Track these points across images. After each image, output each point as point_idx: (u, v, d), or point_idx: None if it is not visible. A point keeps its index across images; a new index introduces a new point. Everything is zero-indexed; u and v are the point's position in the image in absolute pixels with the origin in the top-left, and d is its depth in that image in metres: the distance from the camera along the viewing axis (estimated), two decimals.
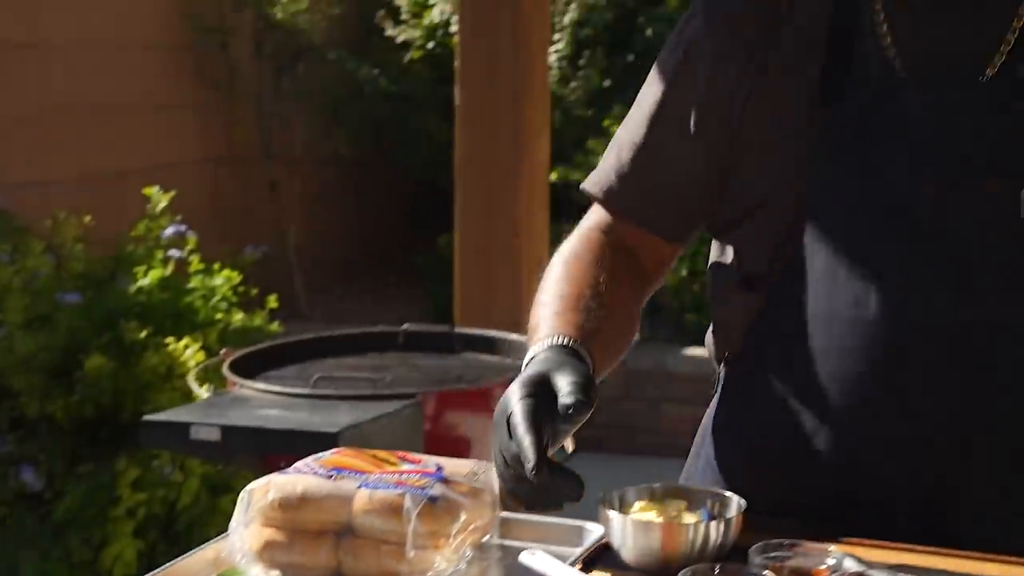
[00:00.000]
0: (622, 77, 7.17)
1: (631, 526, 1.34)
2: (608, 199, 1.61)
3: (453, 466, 1.50)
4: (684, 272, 6.27)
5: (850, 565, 1.27)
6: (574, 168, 6.57)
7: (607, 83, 7.03)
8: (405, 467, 1.50)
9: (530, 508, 1.36)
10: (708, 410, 1.65)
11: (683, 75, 1.54)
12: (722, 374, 1.62)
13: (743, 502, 1.35)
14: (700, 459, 1.62)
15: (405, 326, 3.25)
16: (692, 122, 1.53)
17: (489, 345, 3.21)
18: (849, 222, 1.44)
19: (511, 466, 1.31)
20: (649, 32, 7.19)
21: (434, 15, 7.04)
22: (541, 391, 1.31)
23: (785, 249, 1.47)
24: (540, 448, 1.27)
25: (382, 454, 1.55)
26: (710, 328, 1.65)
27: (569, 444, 1.41)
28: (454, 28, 6.79)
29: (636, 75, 7.24)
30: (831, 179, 1.45)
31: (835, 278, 1.44)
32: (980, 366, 1.40)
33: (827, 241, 1.45)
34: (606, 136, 6.67)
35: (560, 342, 1.40)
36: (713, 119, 1.51)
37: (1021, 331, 1.39)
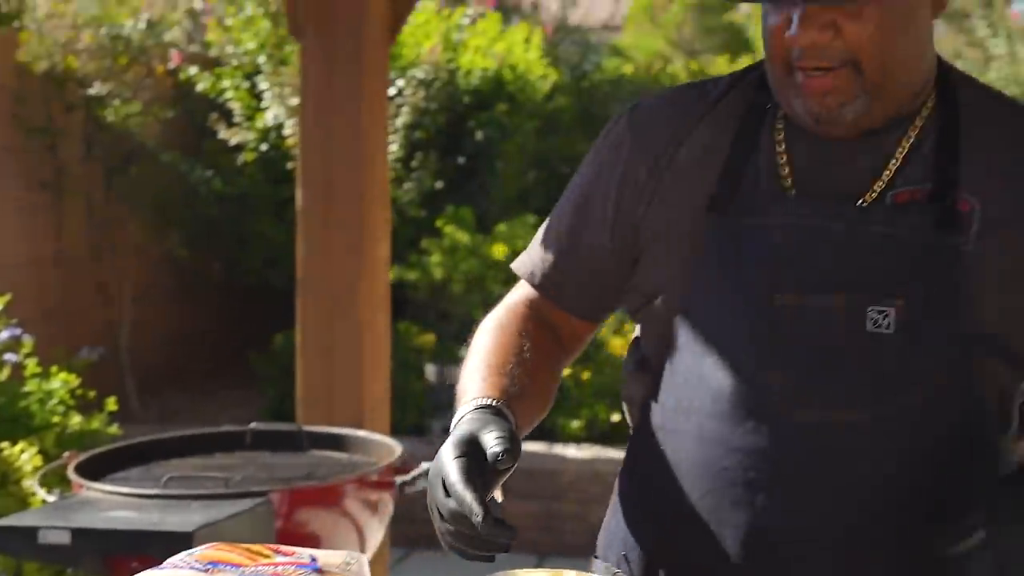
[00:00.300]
0: (454, 179, 7.34)
1: None
2: (532, 280, 1.76)
3: (325, 557, 1.56)
4: None
5: None
6: (409, 268, 6.68)
7: (439, 185, 7.17)
8: (279, 559, 1.56)
9: (471, 558, 1.43)
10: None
11: (603, 172, 1.69)
12: (629, 444, 1.75)
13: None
14: (614, 517, 1.74)
15: (252, 425, 3.27)
16: (606, 215, 1.67)
17: (337, 443, 3.25)
18: (716, 322, 1.57)
19: (449, 521, 1.40)
20: (479, 136, 7.37)
21: (267, 118, 7.10)
22: (471, 449, 1.42)
23: (669, 340, 1.61)
24: (482, 501, 1.36)
25: (255, 547, 1.60)
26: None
27: (499, 495, 1.50)
28: (288, 131, 6.88)
29: (467, 177, 7.46)
30: (706, 281, 1.58)
31: (700, 374, 1.57)
32: (822, 463, 1.50)
33: (696, 338, 1.58)
34: (439, 236, 6.81)
35: (485, 403, 1.51)
36: (623, 214, 1.66)
37: (862, 432, 1.50)
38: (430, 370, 6.27)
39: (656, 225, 1.63)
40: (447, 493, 1.40)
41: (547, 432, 6.25)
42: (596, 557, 1.74)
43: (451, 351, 6.49)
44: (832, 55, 1.48)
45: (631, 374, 1.72)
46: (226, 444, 3.25)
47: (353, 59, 3.96)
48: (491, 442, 1.41)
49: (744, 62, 13.13)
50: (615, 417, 6.18)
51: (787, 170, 1.57)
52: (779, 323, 1.52)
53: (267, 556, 1.57)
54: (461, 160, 7.39)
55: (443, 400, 6.13)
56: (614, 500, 1.76)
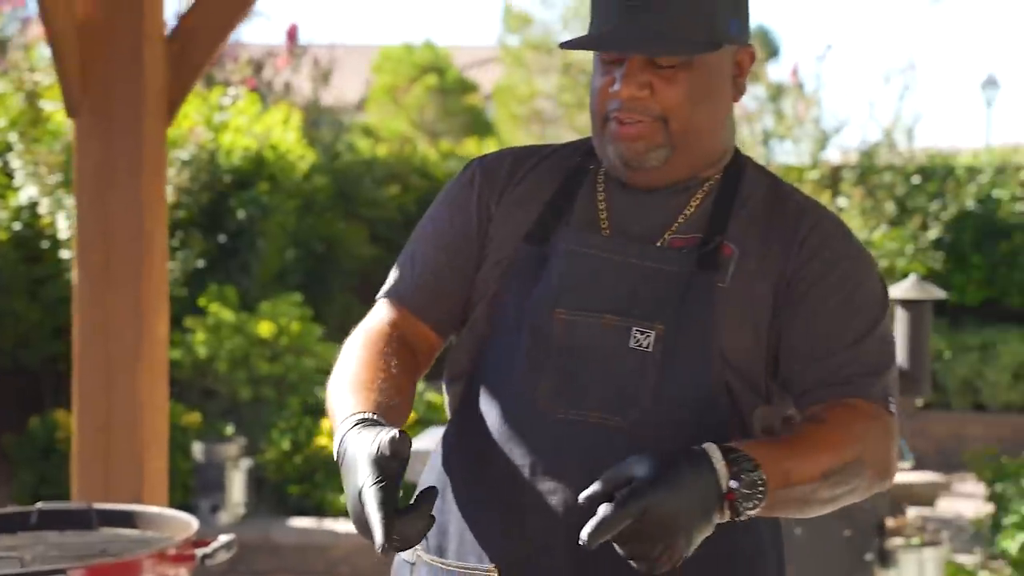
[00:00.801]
0: (216, 257, 7.32)
1: None
2: (399, 299, 1.93)
3: None
4: (286, 445, 6.40)
5: None
6: (173, 346, 6.62)
7: (201, 263, 7.15)
8: None
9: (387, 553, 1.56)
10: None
11: (456, 204, 1.93)
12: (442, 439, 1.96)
13: None
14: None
15: (39, 505, 3.22)
16: (453, 241, 1.91)
17: (127, 519, 3.22)
18: (510, 332, 1.83)
19: (356, 524, 1.59)
20: (241, 214, 7.39)
21: (20, 197, 6.94)
22: (386, 473, 1.56)
23: (477, 355, 1.87)
24: (388, 530, 1.52)
25: None
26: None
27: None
28: (42, 210, 6.74)
29: (229, 255, 7.46)
30: (507, 299, 1.84)
31: (496, 382, 1.83)
32: (577, 457, 1.74)
33: (494, 354, 1.85)
34: (203, 314, 6.78)
35: (364, 417, 1.66)
36: (475, 238, 1.90)
37: (616, 433, 1.75)
38: (197, 448, 6.21)
39: (489, 251, 1.89)
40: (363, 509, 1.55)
41: (317, 508, 6.27)
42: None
43: (218, 429, 6.45)
44: (646, 110, 1.77)
45: (449, 385, 1.94)
46: (8, 525, 3.18)
47: (133, 134, 3.97)
48: (385, 438, 1.56)
49: (489, 144, 13.50)
50: None
51: (604, 215, 1.85)
52: (554, 335, 1.79)
53: None
54: (223, 238, 7.39)
55: (211, 478, 6.08)
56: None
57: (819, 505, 1.72)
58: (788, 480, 1.64)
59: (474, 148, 11.89)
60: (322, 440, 6.37)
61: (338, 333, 7.95)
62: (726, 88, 1.84)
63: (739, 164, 1.89)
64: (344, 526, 6.04)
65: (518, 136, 17.19)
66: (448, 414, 1.98)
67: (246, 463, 6.19)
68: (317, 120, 10.58)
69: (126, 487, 3.98)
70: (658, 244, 1.82)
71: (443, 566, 1.85)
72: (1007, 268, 9.62)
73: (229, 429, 6.52)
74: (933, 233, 8.42)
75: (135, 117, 3.99)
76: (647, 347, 1.76)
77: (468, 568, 1.81)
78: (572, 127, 16.65)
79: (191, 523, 3.40)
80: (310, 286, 8.36)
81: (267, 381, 6.66)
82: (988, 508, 6.13)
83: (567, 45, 1.80)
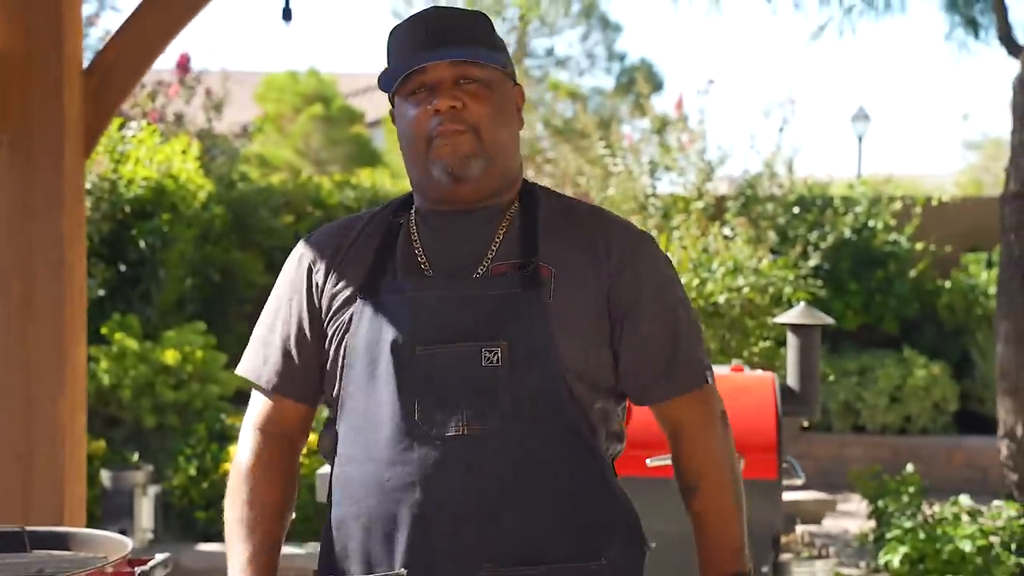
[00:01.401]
0: (117, 286, 7.36)
1: None
2: (262, 383, 2.22)
3: None
4: (193, 471, 6.46)
5: None
6: None
7: (103, 292, 7.18)
8: None
9: None
10: None
11: (292, 282, 2.20)
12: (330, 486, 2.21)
13: None
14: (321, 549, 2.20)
15: None
16: (301, 313, 2.18)
17: (61, 541, 3.30)
18: (373, 377, 2.08)
19: None
20: (142, 244, 7.44)
21: None
22: None
23: (343, 400, 2.11)
24: None
25: None
26: None
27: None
28: None
29: (130, 284, 7.50)
30: (363, 341, 2.08)
31: (368, 417, 2.08)
32: (460, 466, 2.01)
33: (362, 393, 2.08)
34: (106, 343, 6.81)
35: None
36: (312, 310, 2.17)
37: (490, 441, 2.01)
38: (104, 476, 6.25)
39: (331, 310, 2.14)
40: None
41: (224, 533, 6.32)
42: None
43: (123, 456, 6.49)
44: (462, 119, 2.07)
45: (322, 434, 2.20)
46: None
47: (53, 167, 4.07)
48: None
49: (381, 174, 13.64)
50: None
51: (422, 256, 2.13)
52: (420, 367, 2.05)
53: None
54: (123, 268, 7.43)
55: (118, 505, 6.12)
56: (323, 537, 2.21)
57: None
58: (743, 546, 2.13)
59: (367, 177, 12.00)
60: (228, 466, 6.44)
61: (235, 361, 8.03)
62: (516, 116, 2.18)
63: (530, 189, 2.21)
64: None
65: None
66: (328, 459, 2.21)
67: (153, 490, 6.24)
68: (211, 149, 10.62)
69: (46, 513, 4.06)
70: (479, 273, 2.10)
71: None
72: (882, 295, 10.02)
73: (134, 456, 6.57)
74: (813, 261, 8.75)
75: (55, 150, 4.09)
76: (497, 362, 2.04)
77: (379, 573, 2.05)
78: None
79: (125, 543, 3.48)
80: (207, 314, 8.43)
81: (172, 408, 6.71)
82: (870, 524, 6.42)
83: (385, 75, 2.11)
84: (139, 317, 7.11)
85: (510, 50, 2.11)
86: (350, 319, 2.11)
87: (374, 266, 2.13)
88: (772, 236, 8.96)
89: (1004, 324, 5.91)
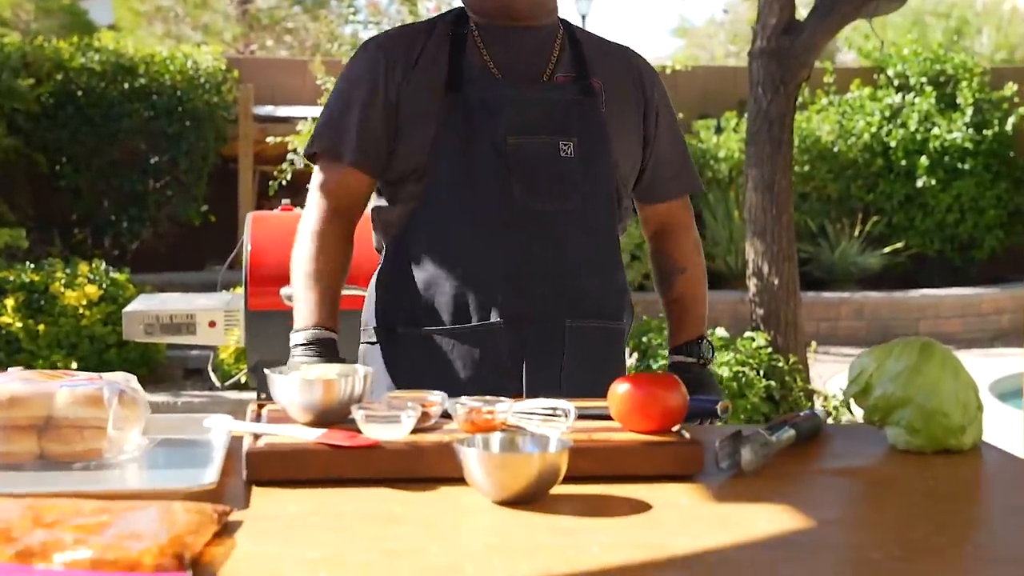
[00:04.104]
0: None
1: (298, 385, 1.82)
2: (332, 156, 2.40)
3: (110, 376, 1.88)
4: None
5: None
6: None
7: None
8: (78, 377, 1.86)
9: None
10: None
11: (363, 74, 2.40)
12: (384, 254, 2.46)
13: (369, 369, 1.90)
14: (369, 310, 2.48)
15: None
16: (376, 95, 2.36)
17: None
18: (466, 162, 2.33)
19: None
20: None
21: None
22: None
23: (423, 176, 2.37)
24: None
25: (47, 372, 1.89)
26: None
27: None
28: None
29: None
30: (455, 137, 2.33)
31: (458, 199, 2.33)
32: (550, 237, 2.32)
33: (452, 175, 2.33)
34: None
35: (323, 337, 2.26)
36: (388, 95, 2.37)
37: (570, 215, 2.33)
38: None
39: (410, 105, 2.36)
40: None
41: None
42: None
43: None
44: None
45: (382, 208, 2.45)
46: None
47: None
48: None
49: (124, 36, 13.18)
50: (73, 365, 6.33)
51: (491, 64, 2.40)
52: (512, 153, 2.35)
53: (62, 376, 1.87)
54: None
55: None
56: (374, 304, 2.45)
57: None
58: (703, 317, 2.57)
59: (110, 40, 11.66)
60: (5, 319, 6.35)
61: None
62: None
63: (562, 20, 2.52)
64: None
65: (140, 34, 16.80)
66: (387, 243, 2.45)
67: None
68: None
69: None
70: (544, 80, 2.40)
71: (450, 332, 2.33)
72: None
73: None
74: None
75: None
76: (571, 154, 2.36)
77: (475, 326, 2.31)
78: (195, 25, 16.53)
79: None
80: None
81: None
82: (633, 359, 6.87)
83: None
84: None
85: None
86: (440, 113, 2.32)
87: (452, 68, 2.37)
88: None
89: (753, 172, 6.39)
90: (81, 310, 6.43)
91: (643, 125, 2.50)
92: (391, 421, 1.75)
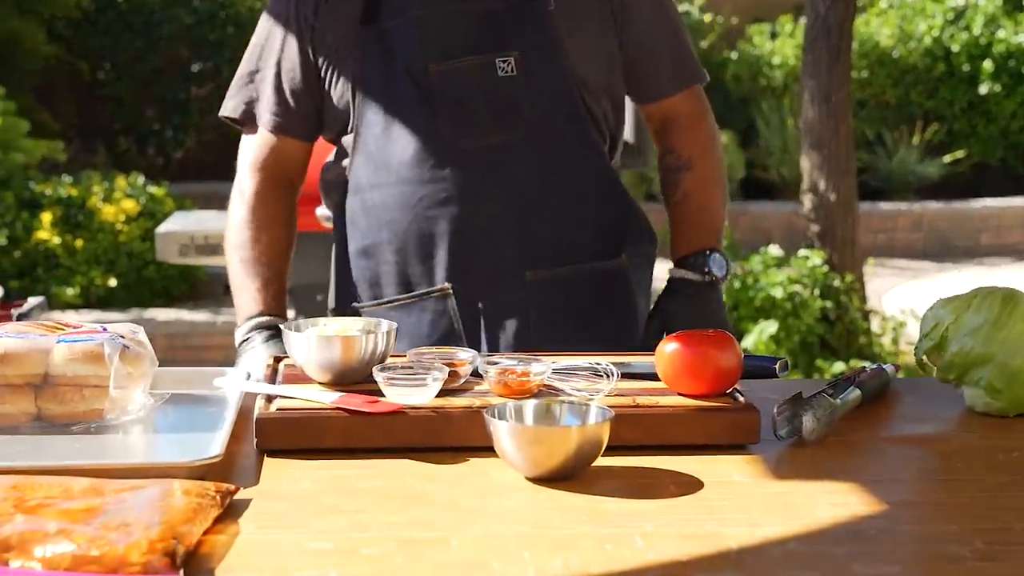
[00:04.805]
0: None
1: (315, 342, 1.66)
2: (260, 121, 2.17)
3: (113, 327, 1.73)
4: (3, 240, 6.25)
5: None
6: None
7: None
8: (79, 330, 1.71)
9: None
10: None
11: (280, 25, 2.15)
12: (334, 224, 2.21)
13: (393, 324, 1.73)
14: (335, 282, 2.22)
15: None
16: (291, 57, 2.13)
17: None
18: (389, 100, 2.07)
19: None
20: None
21: None
22: None
23: (356, 127, 2.10)
24: None
25: (46, 323, 1.74)
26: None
27: None
28: None
29: None
30: (376, 76, 2.07)
31: (388, 140, 2.07)
32: (488, 176, 2.04)
33: (377, 117, 2.07)
34: None
35: (266, 323, 2.08)
36: (302, 41, 2.12)
37: (513, 150, 2.04)
38: None
39: (326, 46, 2.10)
40: None
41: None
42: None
43: None
44: None
45: (328, 165, 2.21)
46: None
47: None
48: None
49: None
50: (111, 282, 6.24)
51: None
52: (436, 83, 2.04)
53: (62, 329, 1.72)
54: None
55: None
56: (332, 274, 2.20)
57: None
58: (718, 230, 2.23)
59: None
60: (43, 234, 6.26)
61: (39, 130, 7.69)
62: None
63: None
64: (74, 317, 6.01)
65: None
66: (334, 199, 2.21)
67: None
68: None
69: None
70: None
71: (391, 304, 2.10)
72: None
73: None
74: None
75: None
76: (512, 72, 2.03)
77: (419, 294, 2.07)
78: None
79: None
80: None
81: None
82: None
83: None
84: None
85: None
86: (357, 50, 2.07)
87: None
88: None
89: (810, 82, 6.13)
90: (118, 226, 6.31)
91: (613, 16, 2.13)
92: (416, 384, 1.58)
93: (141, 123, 10.46)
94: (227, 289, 6.48)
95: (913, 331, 5.79)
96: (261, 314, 2.08)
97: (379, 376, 1.59)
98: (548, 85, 2.06)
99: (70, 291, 6.16)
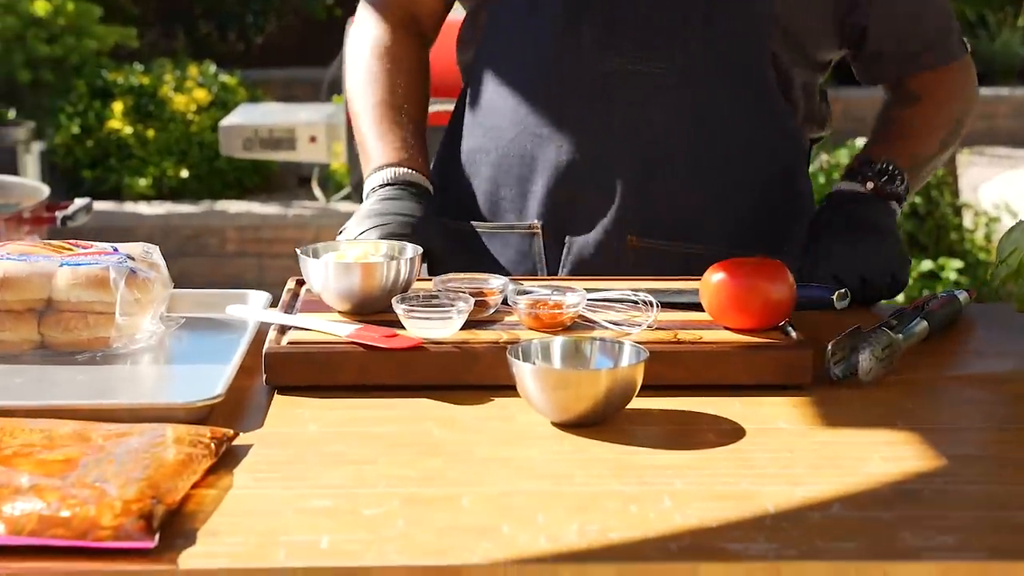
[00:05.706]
0: None
1: (332, 268, 1.53)
2: None
3: (125, 248, 1.63)
4: (76, 129, 6.22)
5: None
6: None
7: None
8: (84, 251, 1.61)
9: None
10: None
11: None
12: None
13: (418, 248, 1.60)
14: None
15: None
16: None
17: None
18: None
19: None
20: None
21: None
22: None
23: (481, 20, 1.82)
24: None
25: (54, 243, 1.64)
26: None
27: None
28: None
29: None
30: None
31: (527, 20, 1.76)
32: (622, 110, 1.72)
33: (511, 10, 1.78)
34: None
35: (400, 178, 1.74)
36: None
37: (659, 85, 1.71)
38: None
39: None
40: None
41: (113, 192, 6.17)
42: None
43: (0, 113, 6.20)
44: None
45: (461, 43, 1.88)
46: None
47: None
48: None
49: None
50: (183, 173, 6.19)
51: None
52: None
53: (70, 249, 1.62)
54: None
55: (1, 162, 5.88)
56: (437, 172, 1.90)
57: (932, 172, 1.90)
58: (916, 162, 1.80)
59: None
60: (115, 123, 6.20)
61: (113, 14, 7.61)
62: None
63: None
64: (145, 208, 5.98)
65: None
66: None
67: (37, 147, 5.94)
68: None
69: None
70: None
71: (477, 229, 1.83)
72: None
73: (11, 113, 6.27)
74: None
75: None
76: None
77: (506, 225, 1.81)
78: None
79: (41, 188, 3.36)
80: None
81: (47, 63, 6.36)
82: None
83: None
84: None
85: None
86: None
87: None
88: None
89: None
90: (190, 116, 6.23)
91: None
92: (439, 317, 1.46)
93: (222, 7, 10.34)
94: (301, 181, 6.36)
95: (1008, 226, 5.55)
96: (402, 164, 1.74)
97: (399, 308, 1.47)
98: (732, 19, 1.70)
99: (143, 182, 6.11)
